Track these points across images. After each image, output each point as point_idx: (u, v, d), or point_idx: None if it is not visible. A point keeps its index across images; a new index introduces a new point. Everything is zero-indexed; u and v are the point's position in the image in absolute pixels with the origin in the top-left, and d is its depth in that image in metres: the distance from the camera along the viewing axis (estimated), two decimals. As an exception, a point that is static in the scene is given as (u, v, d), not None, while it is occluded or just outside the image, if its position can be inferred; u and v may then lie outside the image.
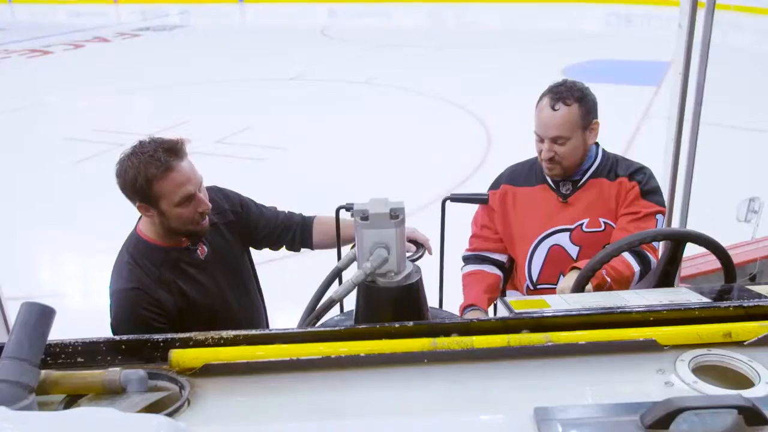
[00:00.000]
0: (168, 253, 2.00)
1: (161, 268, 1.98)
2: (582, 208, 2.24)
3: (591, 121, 2.19)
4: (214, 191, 2.15)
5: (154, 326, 1.91)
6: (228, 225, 2.18)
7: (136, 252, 1.98)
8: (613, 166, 2.25)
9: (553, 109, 2.15)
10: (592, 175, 2.25)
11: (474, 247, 2.46)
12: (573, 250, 2.23)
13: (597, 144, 2.28)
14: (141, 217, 2.05)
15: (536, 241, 2.28)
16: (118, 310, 1.93)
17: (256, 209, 2.28)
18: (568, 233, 2.24)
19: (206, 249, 2.09)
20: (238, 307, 2.16)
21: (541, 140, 2.20)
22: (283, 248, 2.37)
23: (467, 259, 2.47)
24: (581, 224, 2.23)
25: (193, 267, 2.05)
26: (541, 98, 2.21)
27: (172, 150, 1.88)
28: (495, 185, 2.41)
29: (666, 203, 2.35)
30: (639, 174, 2.22)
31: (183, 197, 1.89)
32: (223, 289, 2.11)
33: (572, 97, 2.14)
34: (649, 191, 2.20)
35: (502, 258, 2.43)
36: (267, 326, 2.32)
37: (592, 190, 2.24)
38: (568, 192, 2.26)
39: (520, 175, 2.37)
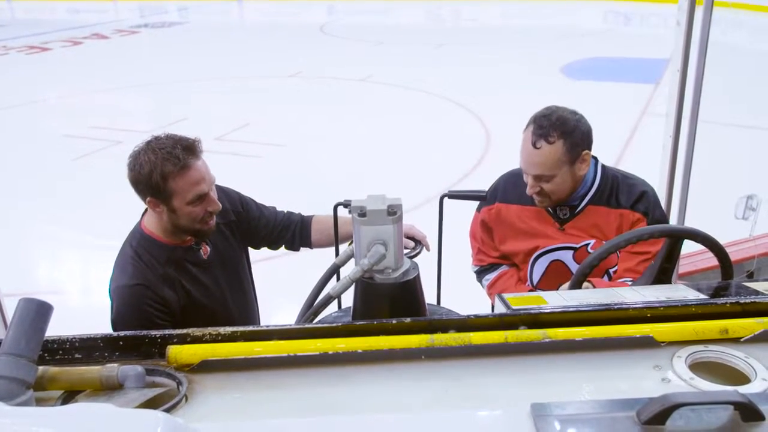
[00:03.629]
0: (173, 251, 2.00)
1: (166, 265, 1.97)
2: (579, 236, 2.14)
3: (579, 153, 2.03)
4: (221, 191, 2.15)
5: (157, 324, 1.90)
6: (229, 225, 2.18)
7: (140, 248, 1.97)
8: (614, 190, 2.12)
9: (534, 146, 2.00)
10: (590, 201, 2.13)
11: (483, 262, 2.38)
12: (574, 268, 2.14)
13: (596, 160, 2.15)
14: (145, 212, 2.05)
15: (536, 255, 2.22)
16: (120, 307, 1.92)
17: (256, 209, 2.28)
18: (572, 252, 2.16)
19: (209, 249, 2.09)
20: (236, 307, 2.16)
21: (525, 175, 2.09)
22: (282, 247, 2.37)
23: (482, 272, 2.37)
24: (587, 245, 2.14)
25: (196, 266, 2.05)
26: (527, 126, 2.06)
27: (190, 148, 1.88)
28: (490, 200, 2.29)
29: (664, 200, 2.33)
30: (642, 203, 2.08)
31: (196, 196, 1.89)
32: (223, 289, 2.11)
33: (556, 134, 1.98)
34: (656, 223, 2.07)
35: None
36: (257, 317, 2.32)
37: (590, 217, 2.12)
38: (566, 217, 2.16)
39: (514, 192, 2.24)
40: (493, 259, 2.36)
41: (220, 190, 2.20)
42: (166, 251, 1.99)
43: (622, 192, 2.11)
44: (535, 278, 2.28)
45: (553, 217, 2.18)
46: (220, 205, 1.99)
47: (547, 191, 2.06)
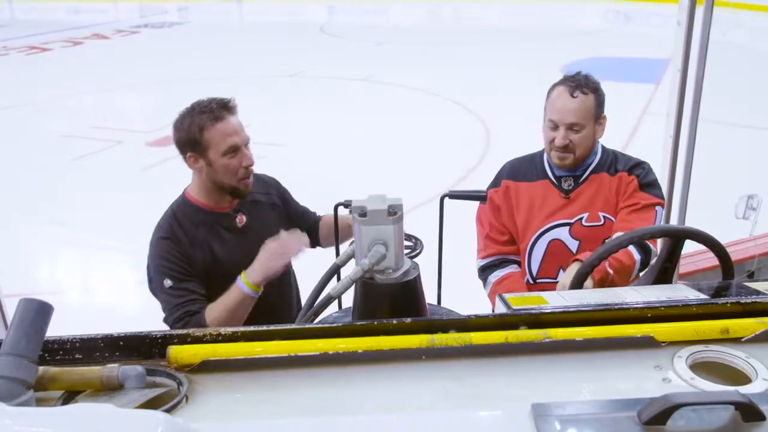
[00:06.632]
0: (208, 215, 2.15)
1: (198, 227, 2.12)
2: (583, 204, 2.24)
3: (601, 114, 2.22)
4: (263, 176, 2.35)
5: (182, 277, 2.05)
6: (272, 206, 2.32)
7: (179, 210, 2.15)
8: (613, 161, 2.27)
9: (572, 96, 2.17)
10: (594, 170, 2.26)
11: (490, 253, 2.39)
12: (573, 245, 2.23)
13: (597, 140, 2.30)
14: (190, 184, 2.21)
15: (536, 236, 2.27)
16: (151, 256, 2.09)
17: (294, 203, 2.43)
18: (568, 228, 2.24)
19: (245, 219, 2.21)
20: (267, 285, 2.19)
21: (554, 128, 2.20)
22: None
23: (489, 267, 2.39)
24: (581, 219, 2.23)
25: (228, 231, 2.18)
26: (554, 87, 2.23)
27: (224, 105, 2.10)
28: (496, 182, 2.38)
29: (665, 200, 2.36)
30: (638, 168, 2.24)
31: (229, 147, 2.06)
32: (251, 256, 2.14)
33: (588, 87, 2.19)
34: (648, 184, 2.22)
35: (518, 258, 2.38)
36: (295, 308, 2.35)
37: (593, 184, 2.25)
38: (570, 188, 2.26)
39: (520, 170, 2.35)
40: (501, 246, 2.38)
41: (270, 178, 2.40)
42: (201, 214, 2.14)
43: (620, 162, 2.28)
44: (534, 266, 2.30)
45: (558, 189, 2.28)
46: (254, 161, 2.14)
47: (575, 143, 2.19)
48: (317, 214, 2.47)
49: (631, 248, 2.08)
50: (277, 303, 2.24)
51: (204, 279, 2.09)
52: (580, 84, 2.18)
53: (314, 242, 2.40)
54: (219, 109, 2.07)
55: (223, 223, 2.17)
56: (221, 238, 2.15)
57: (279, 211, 2.33)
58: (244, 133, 2.13)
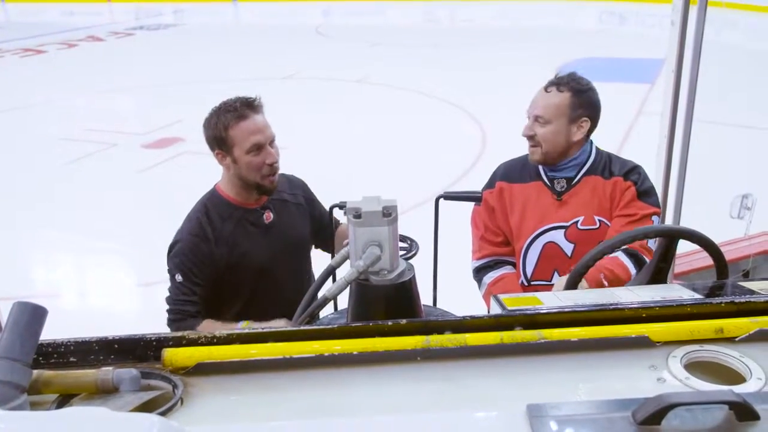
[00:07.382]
0: (237, 209, 2.21)
1: (226, 221, 2.19)
2: (576, 206, 2.24)
3: (580, 116, 2.19)
4: (291, 177, 2.40)
5: (194, 278, 2.12)
6: (298, 206, 2.36)
7: (210, 203, 2.22)
8: (607, 164, 2.26)
9: (546, 90, 2.21)
10: (587, 172, 2.25)
11: (484, 254, 2.39)
12: (568, 248, 2.23)
13: (591, 141, 2.29)
14: (220, 179, 2.27)
15: (531, 238, 2.27)
16: (177, 248, 2.15)
17: (319, 205, 2.46)
18: (563, 230, 2.24)
19: (272, 216, 2.27)
20: (284, 272, 2.27)
21: (528, 118, 2.25)
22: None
23: (484, 269, 2.39)
24: (576, 222, 2.23)
25: (255, 227, 2.24)
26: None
27: (248, 103, 2.15)
28: (490, 184, 2.39)
29: (660, 200, 2.36)
30: (634, 174, 2.22)
31: (252, 145, 2.12)
32: (275, 252, 2.23)
33: (568, 86, 2.19)
34: (645, 192, 2.21)
35: (513, 259, 2.39)
36: None
37: (587, 187, 2.24)
38: (563, 189, 2.26)
39: (514, 171, 2.36)
40: (496, 247, 2.38)
41: (297, 179, 2.44)
42: (230, 209, 2.21)
43: (614, 165, 2.27)
44: (529, 268, 2.30)
45: (551, 190, 2.28)
46: (277, 158, 2.18)
47: (540, 137, 2.20)
48: (337, 221, 2.49)
49: (627, 261, 2.08)
50: (294, 299, 2.26)
51: (221, 277, 2.16)
52: (560, 82, 2.20)
53: (330, 246, 2.44)
54: (243, 107, 2.13)
55: (250, 218, 2.23)
56: (248, 233, 2.21)
57: (304, 210, 2.38)
58: (268, 131, 2.17)
